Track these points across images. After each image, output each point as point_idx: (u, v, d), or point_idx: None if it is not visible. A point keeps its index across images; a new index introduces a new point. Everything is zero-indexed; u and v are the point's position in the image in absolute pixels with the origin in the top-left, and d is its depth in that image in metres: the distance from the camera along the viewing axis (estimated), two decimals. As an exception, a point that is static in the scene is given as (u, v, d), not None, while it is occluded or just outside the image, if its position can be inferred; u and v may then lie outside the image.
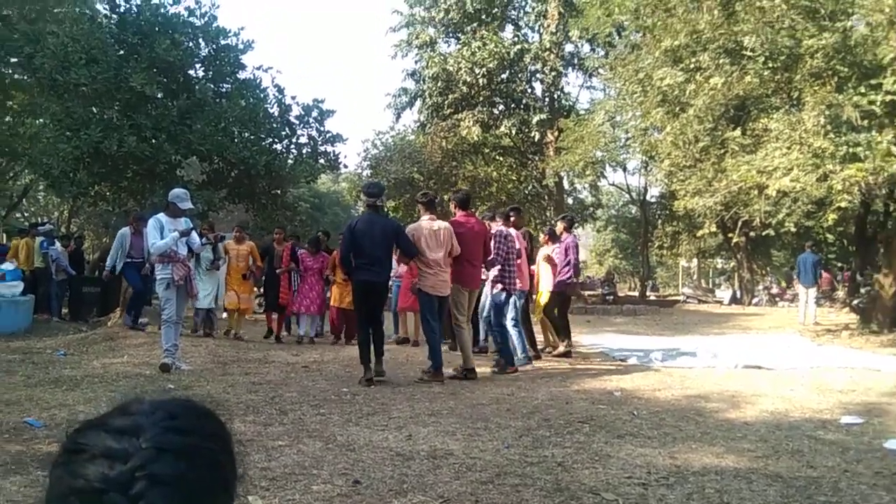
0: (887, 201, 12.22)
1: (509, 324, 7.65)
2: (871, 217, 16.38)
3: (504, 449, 4.13)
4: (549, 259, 8.83)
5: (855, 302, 15.53)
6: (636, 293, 29.80)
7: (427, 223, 6.82)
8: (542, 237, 9.75)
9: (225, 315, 11.09)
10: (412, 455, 3.95)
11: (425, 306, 6.91)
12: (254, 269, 10.40)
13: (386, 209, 7.06)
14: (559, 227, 9.22)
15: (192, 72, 14.67)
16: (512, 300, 7.67)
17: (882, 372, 7.46)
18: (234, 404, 5.34)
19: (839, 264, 26.95)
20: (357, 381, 6.47)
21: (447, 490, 3.33)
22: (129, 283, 10.26)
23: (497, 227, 7.70)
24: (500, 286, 7.53)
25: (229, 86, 15.18)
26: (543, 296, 8.89)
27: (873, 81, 8.85)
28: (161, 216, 6.99)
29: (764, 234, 13.21)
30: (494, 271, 7.51)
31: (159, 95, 13.96)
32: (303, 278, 10.39)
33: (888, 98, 8.58)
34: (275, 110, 15.83)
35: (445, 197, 23.76)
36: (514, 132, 23.32)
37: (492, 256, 7.30)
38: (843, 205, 9.50)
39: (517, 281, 7.69)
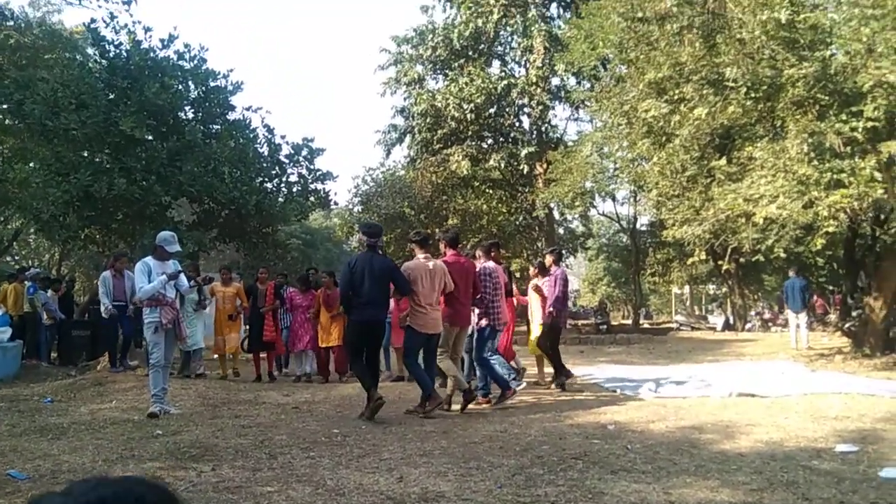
0: (873, 226, 12.31)
1: (487, 354, 7.71)
2: (858, 240, 16.50)
3: (496, 489, 4.08)
4: (537, 289, 8.95)
5: (847, 325, 15.53)
6: (630, 321, 29.75)
7: (423, 262, 6.90)
8: (531, 270, 9.84)
9: (216, 356, 11.04)
10: (403, 499, 3.89)
11: (410, 342, 7.01)
12: (241, 310, 10.44)
13: (382, 249, 7.14)
14: (548, 260, 9.27)
15: (181, 114, 14.81)
16: (495, 334, 7.82)
17: (876, 397, 7.43)
18: (223, 449, 5.26)
19: (830, 287, 27.03)
20: (352, 418, 6.43)
21: (438, 534, 3.27)
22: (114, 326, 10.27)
23: (481, 263, 7.77)
24: (485, 321, 7.56)
25: (219, 127, 15.31)
26: (534, 330, 8.92)
27: (854, 108, 8.96)
28: (149, 259, 6.98)
29: (754, 259, 13.25)
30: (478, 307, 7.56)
31: (149, 138, 14.07)
32: (293, 317, 10.36)
33: (869, 124, 8.68)
34: (265, 150, 15.96)
35: (437, 230, 23.90)
36: (503, 165, 23.51)
37: (480, 294, 7.40)
38: (830, 230, 9.55)
39: (500, 316, 7.77)
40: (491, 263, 7.92)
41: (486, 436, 5.74)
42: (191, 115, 15.29)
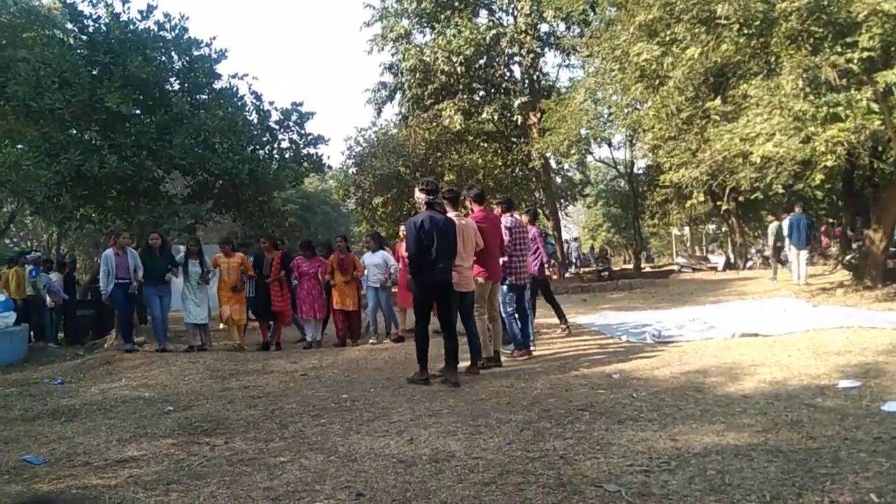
0: (871, 157, 12.22)
1: (509, 310, 7.76)
2: (857, 173, 16.43)
3: (505, 446, 4.13)
4: None
5: (847, 258, 15.59)
6: (631, 266, 29.85)
7: (455, 220, 6.70)
8: None
9: (222, 326, 11.13)
10: (414, 460, 3.94)
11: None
12: (246, 279, 10.36)
13: (441, 206, 6.88)
14: (524, 220, 9.29)
15: (167, 86, 14.57)
16: (521, 289, 7.87)
17: (878, 329, 7.49)
18: (235, 421, 5.32)
19: (830, 220, 27.03)
20: (360, 381, 6.49)
21: (450, 495, 3.33)
22: (114, 306, 10.17)
23: (507, 218, 7.74)
24: (511, 277, 7.65)
25: (206, 97, 15.10)
26: None
27: (849, 39, 8.81)
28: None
29: (753, 197, 13.24)
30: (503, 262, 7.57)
31: (136, 112, 13.87)
32: (300, 284, 10.35)
33: (864, 55, 8.55)
34: (254, 117, 15.75)
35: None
36: (496, 117, 23.28)
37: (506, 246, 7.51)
38: (828, 164, 9.49)
39: (523, 272, 7.82)
40: (515, 216, 7.95)
41: (493, 392, 5.80)
42: (176, 87, 15.04)
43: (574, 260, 29.64)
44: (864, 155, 13.02)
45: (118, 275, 9.56)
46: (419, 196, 6.56)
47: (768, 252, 19.46)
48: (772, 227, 17.80)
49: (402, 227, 11.05)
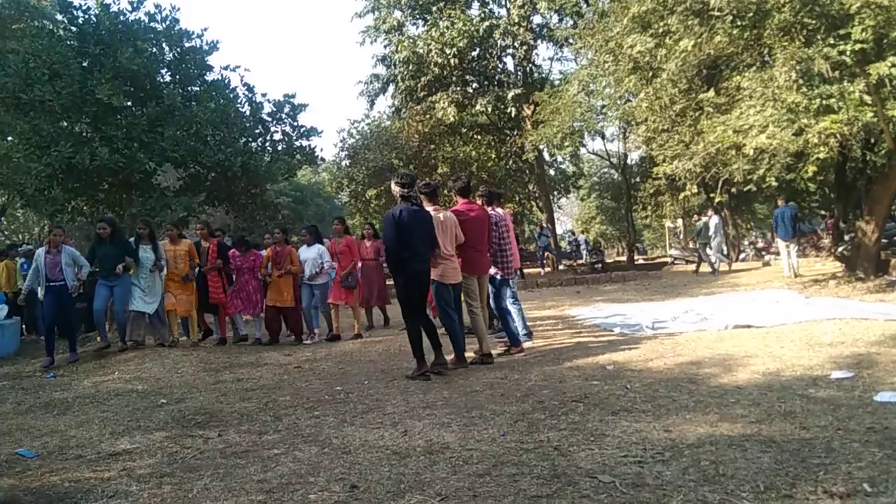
0: (864, 149, 12.26)
1: (508, 303, 7.73)
2: (849, 164, 16.47)
3: (500, 437, 4.13)
4: None
5: (840, 250, 15.65)
6: (624, 258, 29.89)
7: (433, 213, 6.69)
8: None
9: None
10: (408, 452, 3.94)
11: (441, 296, 6.75)
12: (194, 267, 9.66)
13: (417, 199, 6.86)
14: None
15: (158, 78, 14.53)
16: (509, 282, 7.83)
17: (869, 320, 7.52)
18: (228, 414, 5.31)
19: (822, 212, 27.11)
20: (353, 373, 6.49)
21: (445, 487, 3.33)
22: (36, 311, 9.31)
23: (490, 211, 7.69)
24: (494, 270, 7.60)
25: (198, 89, 15.04)
26: None
27: (841, 31, 8.81)
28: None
29: (746, 189, 13.22)
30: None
31: (127, 104, 13.81)
32: (236, 279, 9.99)
33: (857, 46, 8.55)
34: (246, 109, 15.73)
35: (427, 180, 23.74)
36: (489, 109, 23.22)
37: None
38: (821, 156, 9.50)
39: (510, 264, 7.78)
40: (499, 210, 7.90)
41: (487, 384, 5.80)
42: (168, 79, 14.99)
43: (583, 251, 29.24)
44: (856, 147, 13.06)
45: (48, 276, 8.46)
46: (395, 189, 6.54)
47: (761, 244, 19.78)
48: (698, 225, 19.15)
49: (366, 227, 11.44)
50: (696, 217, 20.88)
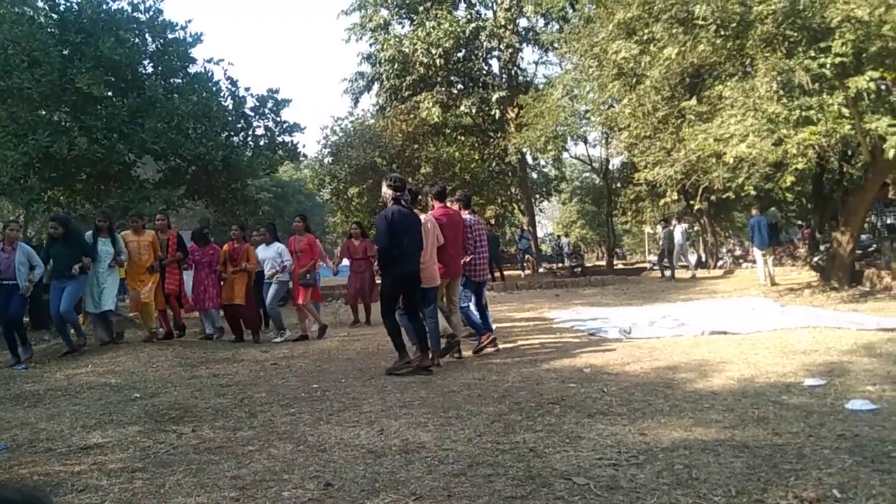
0: (841, 161, 12.45)
1: (472, 307, 7.86)
2: (826, 176, 16.71)
3: (476, 437, 4.13)
4: None
5: (815, 260, 15.88)
6: (604, 263, 30.05)
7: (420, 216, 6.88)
8: None
9: (132, 314, 10.05)
10: (384, 451, 3.93)
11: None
12: (159, 259, 9.30)
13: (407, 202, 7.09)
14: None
15: (140, 69, 14.38)
16: (482, 287, 8.04)
17: (842, 329, 7.64)
18: (203, 409, 5.26)
19: (799, 222, 27.46)
20: (331, 371, 6.47)
21: (419, 486, 3.32)
22: None
23: (466, 215, 7.79)
24: (470, 275, 7.73)
25: (180, 81, 14.92)
26: None
27: (822, 45, 8.95)
28: None
29: (725, 197, 13.39)
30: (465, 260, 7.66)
31: (108, 94, 13.66)
32: (194, 273, 9.77)
33: (837, 60, 8.69)
34: (229, 103, 15.61)
35: (410, 180, 23.69)
36: (474, 111, 23.24)
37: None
38: (799, 166, 9.64)
39: (478, 269, 7.91)
40: (471, 216, 7.95)
41: (465, 384, 5.80)
42: (150, 70, 14.84)
43: (565, 254, 29.40)
44: (833, 159, 13.26)
45: (1, 273, 7.92)
46: (386, 191, 6.64)
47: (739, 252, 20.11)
48: (663, 233, 20.08)
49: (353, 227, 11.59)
50: (661, 224, 21.74)
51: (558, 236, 38.00)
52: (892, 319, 8.05)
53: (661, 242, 20.01)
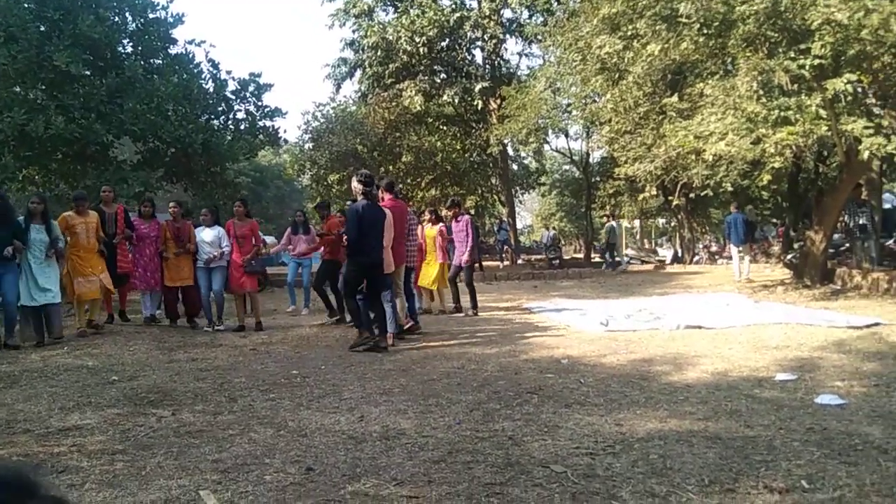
0: (817, 162, 12.66)
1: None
2: (802, 175, 17.00)
3: (455, 425, 4.19)
4: (441, 233, 10.48)
5: (789, 257, 16.17)
6: (582, 255, 30.26)
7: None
8: (426, 216, 10.90)
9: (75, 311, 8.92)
10: (364, 437, 3.97)
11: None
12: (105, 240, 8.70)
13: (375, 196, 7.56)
14: (451, 212, 10.91)
15: (119, 48, 14.17)
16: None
17: (814, 326, 7.81)
18: (182, 393, 5.26)
19: (774, 220, 27.87)
20: (310, 358, 6.50)
21: (400, 472, 3.37)
22: None
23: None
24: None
25: (160, 62, 14.73)
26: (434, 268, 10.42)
27: (802, 46, 9.08)
28: None
29: (703, 194, 13.56)
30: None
31: (86, 73, 13.44)
32: (139, 249, 9.23)
33: (816, 62, 8.81)
34: (210, 86, 15.44)
35: (391, 168, 23.66)
36: (456, 101, 23.20)
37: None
38: (776, 165, 9.80)
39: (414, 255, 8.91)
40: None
41: (444, 373, 5.86)
42: (130, 50, 14.62)
43: (545, 245, 29.55)
44: (809, 159, 13.50)
45: None
46: (356, 186, 7.27)
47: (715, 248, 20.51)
48: (606, 227, 21.71)
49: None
50: (605, 219, 23.38)
51: (546, 228, 38.29)
52: (862, 318, 8.24)
53: (604, 237, 21.56)
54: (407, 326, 8.24)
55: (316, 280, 10.01)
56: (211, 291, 9.15)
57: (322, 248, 9.99)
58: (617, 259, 21.51)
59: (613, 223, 22.48)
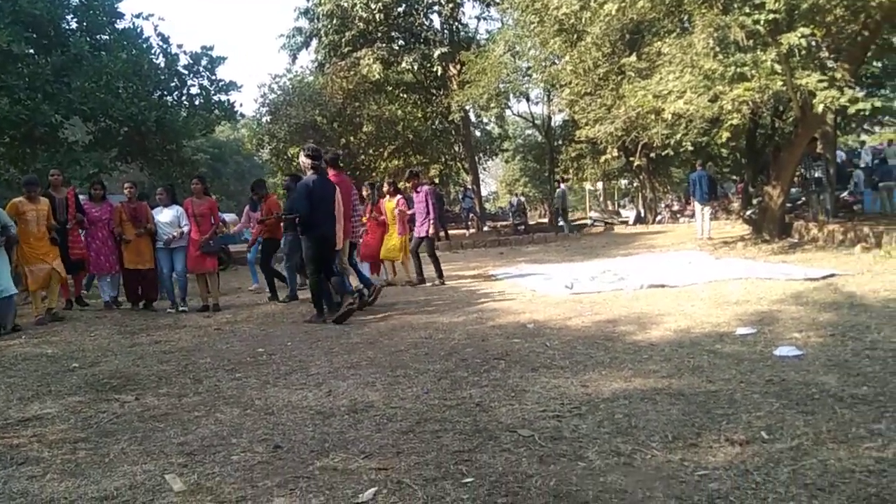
0: (774, 117, 12.81)
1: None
2: (759, 131, 17.22)
3: (423, 394, 4.20)
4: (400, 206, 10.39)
5: (748, 213, 16.45)
6: (546, 220, 30.44)
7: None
8: (385, 188, 10.85)
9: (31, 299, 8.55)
10: (332, 412, 3.96)
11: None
12: (55, 227, 8.36)
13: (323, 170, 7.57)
14: (411, 183, 10.78)
15: (63, 24, 13.66)
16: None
17: (773, 280, 7.98)
18: (146, 377, 5.18)
19: (733, 177, 28.31)
20: (276, 335, 6.45)
21: (368, 444, 3.37)
22: None
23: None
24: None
25: (107, 37, 14.27)
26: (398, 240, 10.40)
27: (757, 1, 9.12)
28: None
29: (664, 153, 13.68)
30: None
31: (30, 52, 12.96)
32: (91, 232, 9.06)
33: (770, 17, 8.87)
34: (161, 61, 15.03)
35: (352, 139, 23.38)
36: (415, 68, 22.97)
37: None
38: (734, 122, 9.89)
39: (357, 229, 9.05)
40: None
41: (412, 343, 5.86)
42: (74, 26, 14.12)
43: (511, 211, 29.66)
44: (766, 115, 13.65)
45: None
46: (304, 161, 7.37)
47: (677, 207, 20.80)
48: (557, 192, 22.38)
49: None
50: (557, 184, 23.94)
51: (512, 194, 38.44)
52: (818, 270, 8.43)
53: (554, 202, 22.38)
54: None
55: (262, 260, 9.97)
56: (173, 272, 9.00)
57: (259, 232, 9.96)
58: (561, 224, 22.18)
59: (564, 187, 22.86)
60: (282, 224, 9.21)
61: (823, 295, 6.77)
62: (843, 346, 4.70)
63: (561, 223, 22.20)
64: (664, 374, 4.32)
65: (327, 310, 7.48)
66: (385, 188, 10.75)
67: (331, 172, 7.87)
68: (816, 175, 14.34)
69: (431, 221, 10.33)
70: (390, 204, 10.39)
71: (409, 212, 10.59)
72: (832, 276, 7.93)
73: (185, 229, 8.84)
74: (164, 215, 8.89)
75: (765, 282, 7.92)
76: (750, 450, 2.99)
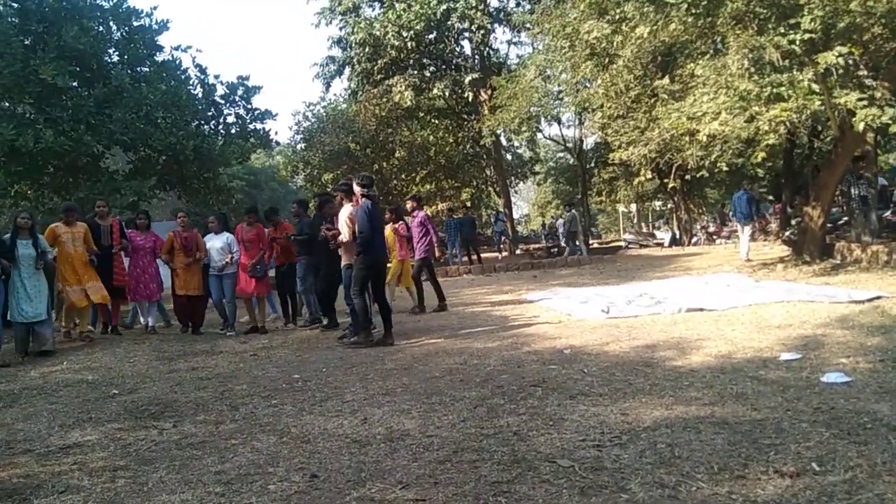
0: (811, 137, 12.59)
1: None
2: (797, 151, 16.93)
3: (460, 423, 4.14)
4: (396, 231, 10.32)
5: (787, 234, 16.13)
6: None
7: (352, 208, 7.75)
8: (386, 214, 10.64)
9: (64, 324, 9.14)
10: (368, 440, 3.93)
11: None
12: (92, 253, 8.71)
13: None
14: (409, 205, 11.19)
15: (105, 58, 14.10)
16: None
17: (815, 303, 7.77)
18: (183, 404, 5.21)
19: (770, 198, 27.82)
20: (311, 361, 6.46)
21: (405, 474, 3.32)
22: None
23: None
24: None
25: (147, 69, 14.66)
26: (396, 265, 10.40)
27: (791, 21, 9.00)
28: None
29: (698, 175, 13.51)
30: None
31: (73, 85, 13.37)
32: (133, 260, 9.39)
33: (806, 36, 8.75)
34: (198, 91, 15.37)
35: (384, 165, 23.59)
36: (447, 94, 23.17)
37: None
38: (771, 142, 9.74)
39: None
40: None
41: (447, 370, 5.81)
42: (116, 59, 14.55)
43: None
44: (803, 134, 13.42)
45: None
46: (358, 189, 7.58)
47: (713, 228, 20.47)
48: (567, 216, 22.07)
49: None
50: (565, 210, 23.72)
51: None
52: (864, 292, 8.19)
53: (566, 226, 21.85)
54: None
55: (278, 284, 10.04)
56: (223, 299, 9.34)
57: (272, 254, 9.84)
58: (565, 246, 22.03)
59: (574, 212, 22.65)
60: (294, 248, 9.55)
61: (870, 318, 6.56)
62: (894, 373, 4.53)
63: (574, 245, 21.79)
64: (706, 401, 4.21)
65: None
66: (387, 215, 10.41)
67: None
68: (862, 194, 14.01)
69: (426, 247, 10.62)
70: (388, 231, 10.08)
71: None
72: (879, 298, 7.70)
73: (236, 255, 9.17)
74: (216, 242, 9.21)
75: (808, 305, 7.72)
76: (801, 482, 2.88)
